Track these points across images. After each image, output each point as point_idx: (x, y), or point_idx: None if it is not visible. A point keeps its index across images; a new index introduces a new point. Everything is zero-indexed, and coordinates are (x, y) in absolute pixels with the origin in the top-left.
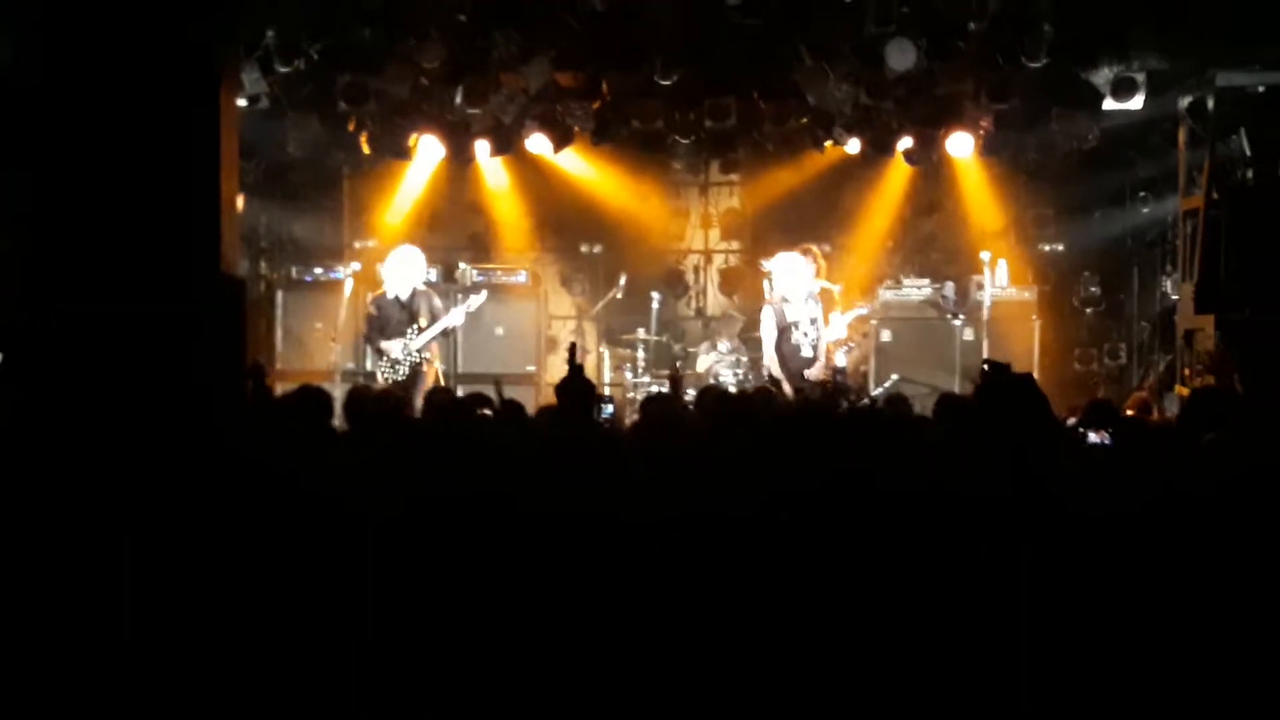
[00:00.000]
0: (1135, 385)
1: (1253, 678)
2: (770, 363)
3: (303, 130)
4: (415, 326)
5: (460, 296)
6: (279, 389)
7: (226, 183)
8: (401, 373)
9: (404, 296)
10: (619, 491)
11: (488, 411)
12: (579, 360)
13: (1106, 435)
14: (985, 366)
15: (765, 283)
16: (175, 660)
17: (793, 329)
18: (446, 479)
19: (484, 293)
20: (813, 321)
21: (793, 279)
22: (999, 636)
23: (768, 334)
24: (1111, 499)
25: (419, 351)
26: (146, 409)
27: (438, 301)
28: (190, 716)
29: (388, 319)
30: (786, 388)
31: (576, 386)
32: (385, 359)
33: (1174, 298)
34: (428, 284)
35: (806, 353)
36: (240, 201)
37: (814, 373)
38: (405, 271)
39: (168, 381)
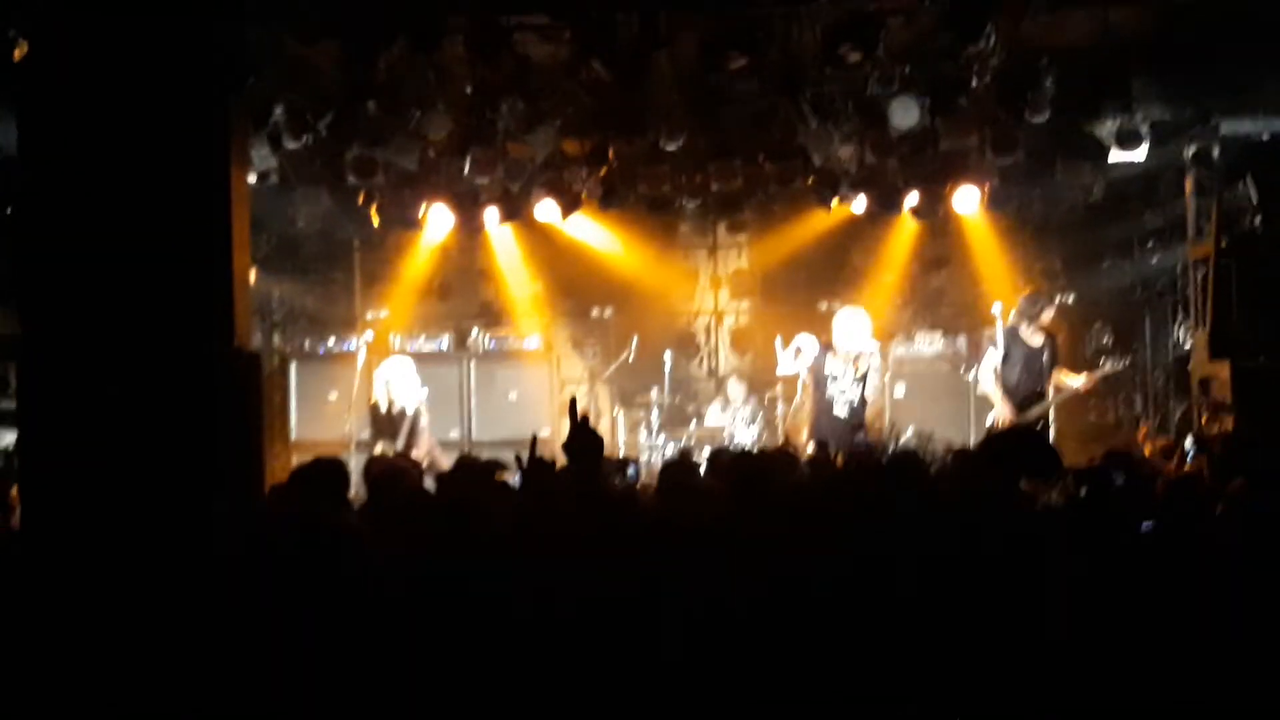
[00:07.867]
0: (1150, 434)
1: None
2: (801, 407)
3: (313, 204)
4: (397, 441)
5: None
6: (295, 460)
7: (239, 257)
8: None
9: (394, 412)
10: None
11: (509, 477)
12: (581, 412)
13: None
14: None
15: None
16: None
17: (829, 381)
18: (458, 557)
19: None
20: (856, 382)
21: (845, 327)
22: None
23: (806, 376)
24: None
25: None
26: (166, 483)
27: (423, 423)
28: None
29: (378, 425)
30: (808, 445)
31: (583, 442)
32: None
33: (1187, 346)
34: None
35: (840, 411)
36: (252, 275)
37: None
38: (390, 386)
39: (187, 455)
